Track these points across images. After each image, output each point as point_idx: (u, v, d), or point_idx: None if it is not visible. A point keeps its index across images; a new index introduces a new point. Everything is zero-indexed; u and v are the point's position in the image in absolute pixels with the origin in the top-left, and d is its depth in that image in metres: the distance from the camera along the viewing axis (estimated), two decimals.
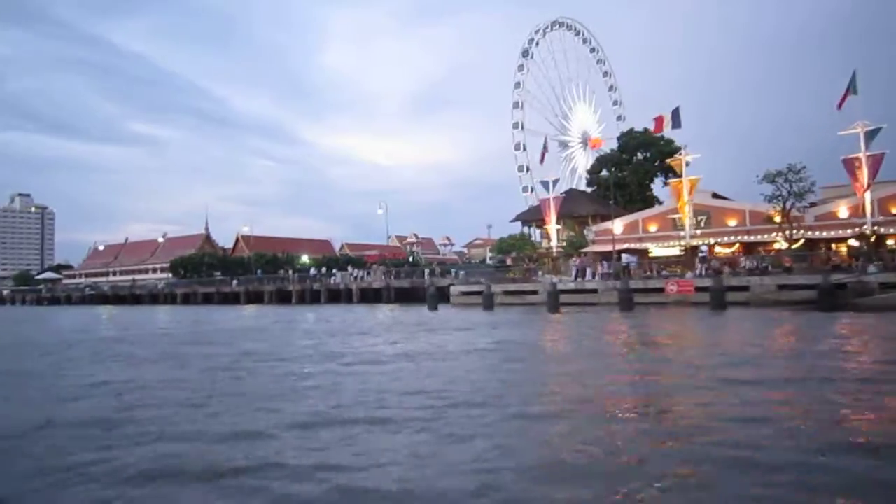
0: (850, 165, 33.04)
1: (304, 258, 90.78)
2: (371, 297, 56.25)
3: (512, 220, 66.76)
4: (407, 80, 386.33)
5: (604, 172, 67.00)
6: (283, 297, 62.96)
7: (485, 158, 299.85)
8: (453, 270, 60.29)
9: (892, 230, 38.45)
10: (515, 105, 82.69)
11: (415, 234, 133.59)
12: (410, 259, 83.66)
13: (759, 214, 47.62)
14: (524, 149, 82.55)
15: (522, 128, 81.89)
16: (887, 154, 32.77)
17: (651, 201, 66.31)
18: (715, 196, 52.69)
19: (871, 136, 31.94)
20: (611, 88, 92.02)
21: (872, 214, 41.01)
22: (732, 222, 49.30)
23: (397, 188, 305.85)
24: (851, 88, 32.46)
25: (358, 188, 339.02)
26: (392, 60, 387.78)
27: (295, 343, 20.25)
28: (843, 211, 44.39)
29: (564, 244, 57.25)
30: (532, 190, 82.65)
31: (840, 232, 43.32)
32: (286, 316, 38.82)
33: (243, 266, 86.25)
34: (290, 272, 70.57)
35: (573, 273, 41.72)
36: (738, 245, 48.06)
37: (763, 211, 47.10)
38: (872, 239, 35.92)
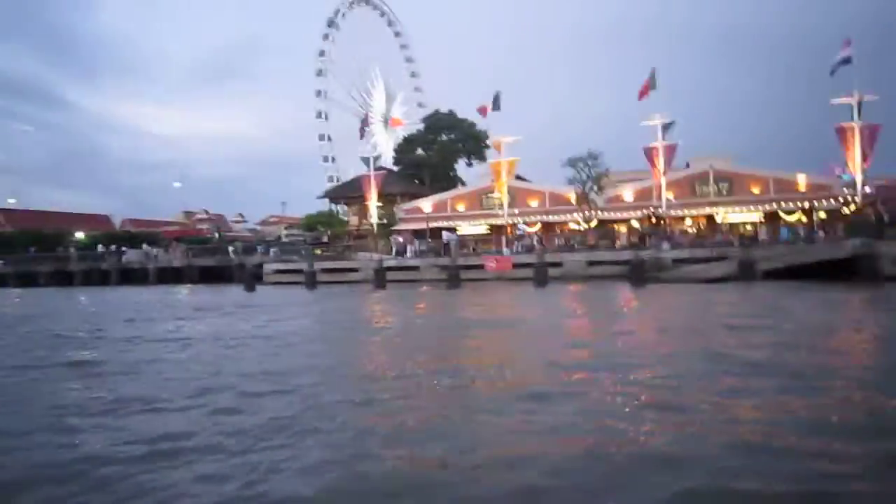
0: (650, 154, 36.89)
1: (80, 235, 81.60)
2: (170, 277, 52.18)
3: (320, 197, 65.66)
4: (195, 47, 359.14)
5: (420, 151, 67.92)
6: (62, 279, 56.10)
7: (277, 135, 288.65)
8: (259, 248, 57.83)
9: (673, 212, 43.76)
10: (319, 73, 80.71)
11: (205, 210, 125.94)
12: (217, 236, 78.83)
13: (558, 197, 51.61)
14: (326, 118, 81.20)
15: (325, 97, 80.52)
16: (680, 145, 37.17)
17: (455, 181, 68.75)
18: (518, 178, 55.96)
19: (667, 128, 35.95)
20: (413, 74, 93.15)
21: (657, 199, 46.81)
22: (534, 203, 52.77)
23: (183, 161, 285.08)
24: (652, 83, 36.21)
25: (139, 160, 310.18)
26: (179, 25, 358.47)
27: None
28: (628, 195, 49.77)
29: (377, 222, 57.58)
30: (333, 160, 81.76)
31: (628, 213, 48.54)
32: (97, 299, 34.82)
33: (4, 244, 75.40)
34: (72, 250, 63.19)
35: (393, 251, 42.08)
36: (539, 225, 51.59)
37: (562, 193, 51.28)
38: (661, 220, 40.60)
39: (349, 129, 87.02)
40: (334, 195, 64.47)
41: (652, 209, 43.07)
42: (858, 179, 32.04)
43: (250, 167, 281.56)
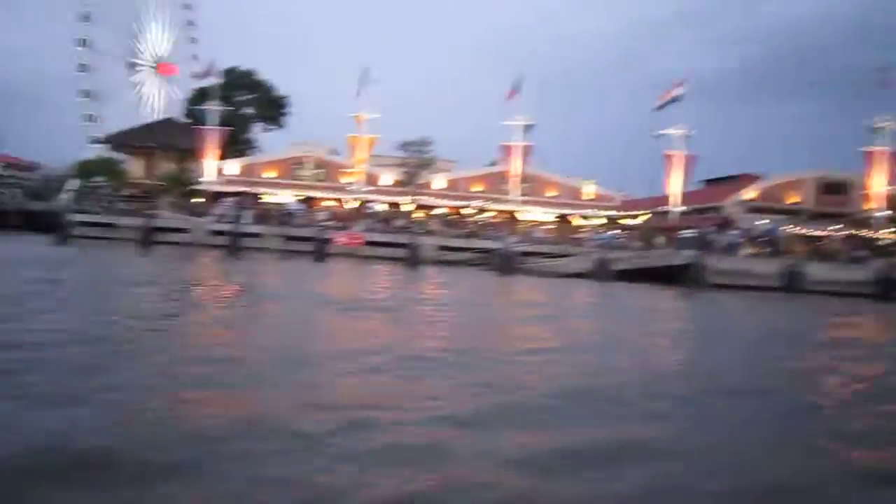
0: (507, 151, 40.06)
1: None
2: None
3: (99, 142, 58.36)
4: None
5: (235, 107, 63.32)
6: None
7: None
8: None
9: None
10: (84, 18, 70.58)
11: None
12: None
13: (374, 178, 53.06)
14: (89, 71, 71.63)
15: (90, 46, 71.01)
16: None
17: (251, 145, 65.78)
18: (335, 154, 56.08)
19: (527, 129, 39.37)
20: (190, 23, 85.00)
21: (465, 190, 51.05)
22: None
23: None
24: (518, 87, 39.28)
25: None
26: None
27: None
28: (441, 183, 53.06)
29: (164, 179, 52.95)
30: (97, 120, 72.81)
31: (438, 201, 51.80)
32: None
33: None
34: None
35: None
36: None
37: (377, 174, 53.00)
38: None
39: (113, 74, 77.96)
40: (120, 141, 57.11)
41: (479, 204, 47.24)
42: (679, 198, 38.84)
43: None
